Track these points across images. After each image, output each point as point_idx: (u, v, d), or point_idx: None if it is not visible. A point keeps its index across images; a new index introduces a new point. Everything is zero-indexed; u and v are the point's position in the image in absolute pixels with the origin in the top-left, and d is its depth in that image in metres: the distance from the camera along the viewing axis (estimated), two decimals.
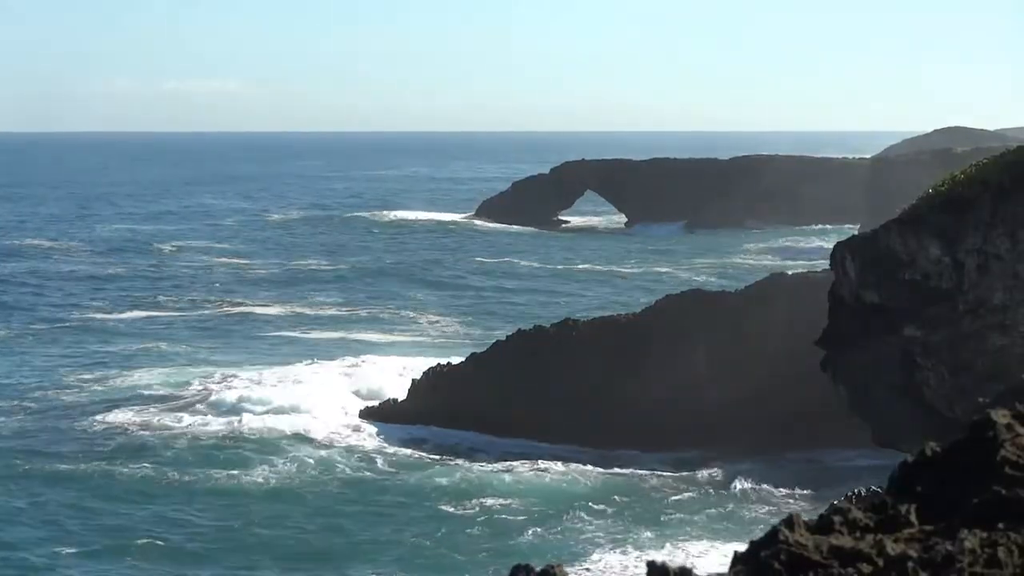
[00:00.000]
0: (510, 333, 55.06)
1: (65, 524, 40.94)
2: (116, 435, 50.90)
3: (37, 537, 39.69)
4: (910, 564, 4.52)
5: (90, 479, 45.42)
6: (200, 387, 58.61)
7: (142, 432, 51.27)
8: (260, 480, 45.82)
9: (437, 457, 48.75)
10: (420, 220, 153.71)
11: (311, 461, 48.01)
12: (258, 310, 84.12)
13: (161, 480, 45.33)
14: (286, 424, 52.24)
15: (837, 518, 4.96)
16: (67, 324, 77.54)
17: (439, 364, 54.73)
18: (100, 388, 59.62)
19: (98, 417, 53.59)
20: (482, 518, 41.53)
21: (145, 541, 39.03)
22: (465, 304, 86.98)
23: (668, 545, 37.89)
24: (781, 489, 44.47)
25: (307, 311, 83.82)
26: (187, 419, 53.11)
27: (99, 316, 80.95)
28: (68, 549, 38.55)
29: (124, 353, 68.08)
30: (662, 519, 41.27)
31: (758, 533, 5.06)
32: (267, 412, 53.68)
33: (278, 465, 47.47)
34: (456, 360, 55.00)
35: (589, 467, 47.29)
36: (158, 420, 53.07)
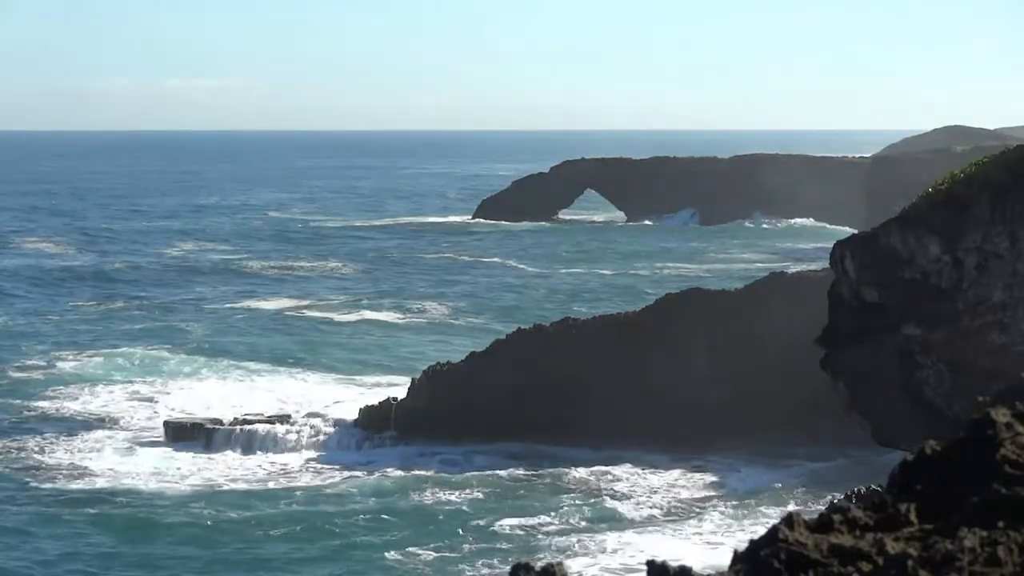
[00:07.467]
0: (510, 332, 55.00)
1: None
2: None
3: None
4: (910, 563, 4.52)
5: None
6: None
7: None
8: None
9: (431, 470, 48.38)
10: (420, 218, 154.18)
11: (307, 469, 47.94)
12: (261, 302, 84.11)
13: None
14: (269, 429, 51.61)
15: (837, 517, 4.97)
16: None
17: (438, 363, 54.56)
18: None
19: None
20: (483, 517, 41.53)
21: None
22: (464, 302, 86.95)
23: (666, 543, 37.88)
24: (780, 487, 44.46)
25: (305, 304, 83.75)
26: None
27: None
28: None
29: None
30: (662, 518, 41.27)
31: (758, 532, 5.06)
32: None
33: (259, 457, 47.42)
34: (456, 359, 54.91)
35: (588, 466, 47.30)
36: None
